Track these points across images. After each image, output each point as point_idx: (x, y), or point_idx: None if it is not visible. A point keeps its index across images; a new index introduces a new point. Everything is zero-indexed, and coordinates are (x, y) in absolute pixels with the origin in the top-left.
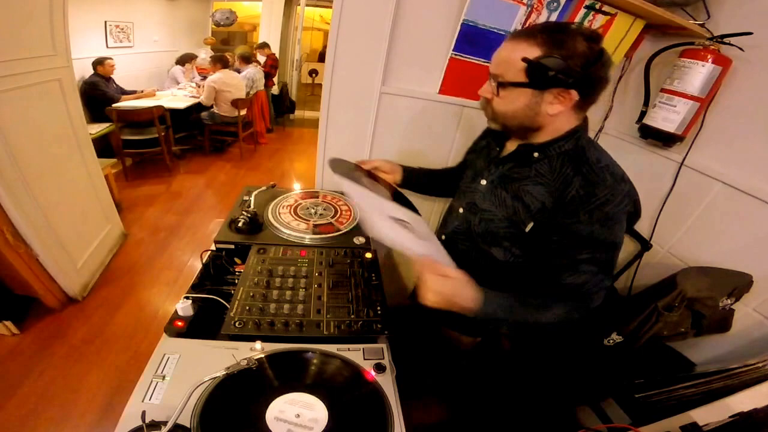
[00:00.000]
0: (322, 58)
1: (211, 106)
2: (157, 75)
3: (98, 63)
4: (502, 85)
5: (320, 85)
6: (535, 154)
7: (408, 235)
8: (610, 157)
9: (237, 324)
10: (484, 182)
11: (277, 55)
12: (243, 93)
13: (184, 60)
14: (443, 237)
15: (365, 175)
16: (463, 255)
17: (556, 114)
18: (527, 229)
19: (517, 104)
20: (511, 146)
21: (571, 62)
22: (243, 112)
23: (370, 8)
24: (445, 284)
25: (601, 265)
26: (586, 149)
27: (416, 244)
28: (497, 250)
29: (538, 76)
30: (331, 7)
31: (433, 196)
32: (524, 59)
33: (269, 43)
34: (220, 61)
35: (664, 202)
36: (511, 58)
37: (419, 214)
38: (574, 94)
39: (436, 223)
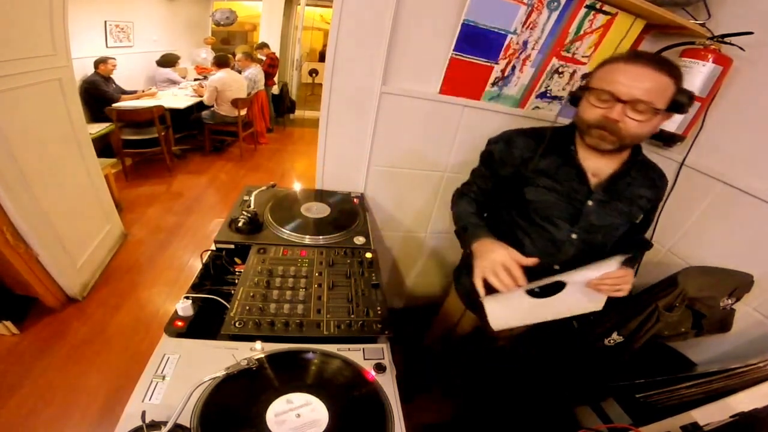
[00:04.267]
0: (322, 57)
1: (212, 106)
2: (157, 75)
3: (100, 62)
4: (656, 111)
5: (320, 84)
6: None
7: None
8: None
9: (237, 324)
10: (591, 203)
11: (278, 55)
12: (244, 93)
13: (168, 62)
14: (557, 267)
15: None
16: (578, 263)
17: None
18: (637, 221)
19: (652, 126)
20: (596, 162)
21: (688, 95)
22: (243, 112)
23: (370, 8)
24: (628, 283)
25: None
26: (642, 152)
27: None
28: (608, 245)
29: (677, 105)
30: (331, 7)
31: None
32: (680, 91)
33: (269, 42)
34: (221, 62)
35: (665, 202)
36: (660, 88)
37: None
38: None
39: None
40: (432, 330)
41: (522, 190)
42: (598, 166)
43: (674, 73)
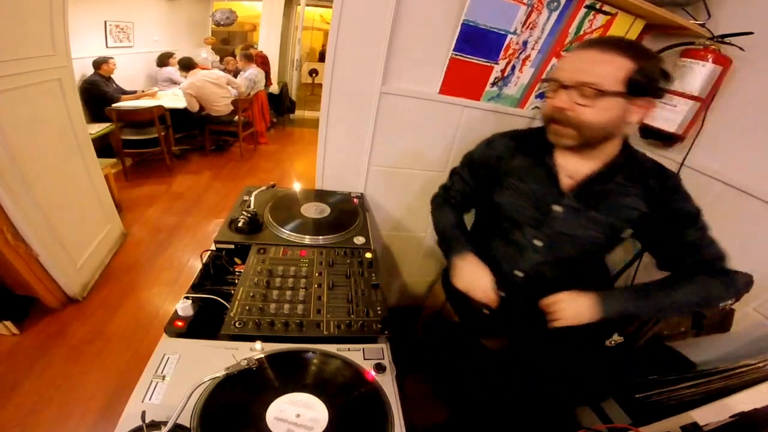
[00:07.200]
0: (322, 58)
1: (201, 110)
2: (158, 75)
3: (101, 62)
4: (601, 93)
5: (320, 85)
6: (619, 178)
7: None
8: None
9: (237, 324)
10: (559, 208)
11: (278, 55)
12: (224, 85)
13: (162, 61)
14: (521, 274)
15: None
16: (554, 282)
17: (635, 122)
18: (624, 235)
19: (611, 113)
20: (574, 164)
21: (656, 74)
22: (229, 109)
23: (370, 8)
24: (563, 311)
25: (707, 231)
26: (636, 154)
27: None
28: (590, 262)
29: (637, 86)
30: (331, 7)
31: None
32: (639, 70)
33: (269, 43)
34: (185, 66)
35: None
36: (607, 68)
37: None
38: (654, 103)
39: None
40: (423, 313)
41: (493, 194)
42: (575, 168)
43: (630, 53)
